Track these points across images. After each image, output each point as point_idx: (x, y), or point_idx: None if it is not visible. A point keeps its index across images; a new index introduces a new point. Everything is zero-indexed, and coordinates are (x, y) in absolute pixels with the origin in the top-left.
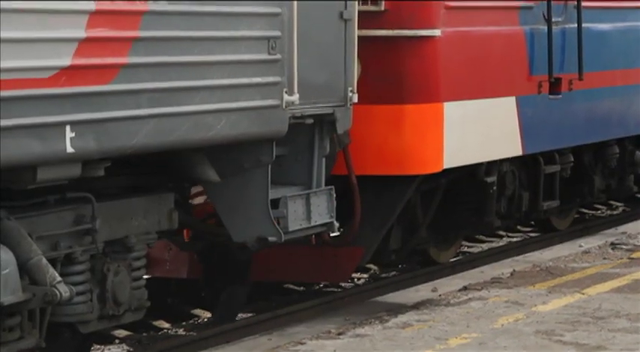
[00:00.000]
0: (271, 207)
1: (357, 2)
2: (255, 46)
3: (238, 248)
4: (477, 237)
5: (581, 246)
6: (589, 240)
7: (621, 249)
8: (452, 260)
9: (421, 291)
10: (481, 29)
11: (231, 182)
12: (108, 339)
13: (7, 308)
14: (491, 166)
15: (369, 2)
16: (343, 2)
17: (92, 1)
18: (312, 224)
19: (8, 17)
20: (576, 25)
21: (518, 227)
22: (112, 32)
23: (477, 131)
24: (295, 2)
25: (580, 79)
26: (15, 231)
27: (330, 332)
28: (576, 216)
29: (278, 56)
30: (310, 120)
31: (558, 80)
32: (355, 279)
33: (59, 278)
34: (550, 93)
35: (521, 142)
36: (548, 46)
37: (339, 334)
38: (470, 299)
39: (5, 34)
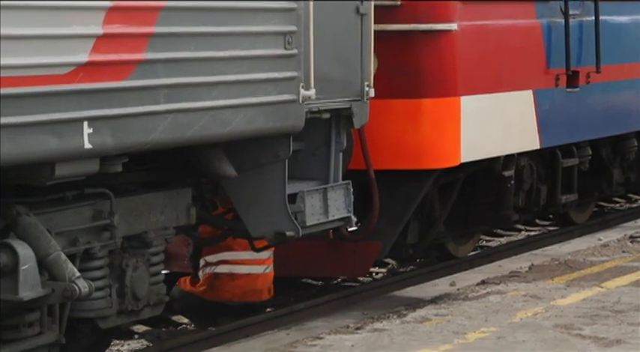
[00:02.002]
0: (289, 201)
1: None
2: (272, 41)
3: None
4: (494, 231)
5: (599, 240)
6: (608, 233)
7: None
8: (470, 254)
9: (439, 285)
10: (498, 22)
11: (248, 177)
12: (127, 334)
13: (26, 303)
14: (508, 160)
15: None
16: None
17: None
18: (330, 218)
19: (25, 14)
20: (593, 17)
21: (537, 221)
22: (128, 28)
23: (494, 125)
24: None
25: (598, 71)
26: (34, 226)
27: (348, 326)
28: (595, 209)
29: (294, 51)
30: (327, 115)
31: (576, 73)
32: (373, 274)
33: (78, 274)
34: (567, 87)
35: (539, 136)
36: (565, 39)
37: (358, 329)
38: (488, 293)
39: (23, 31)
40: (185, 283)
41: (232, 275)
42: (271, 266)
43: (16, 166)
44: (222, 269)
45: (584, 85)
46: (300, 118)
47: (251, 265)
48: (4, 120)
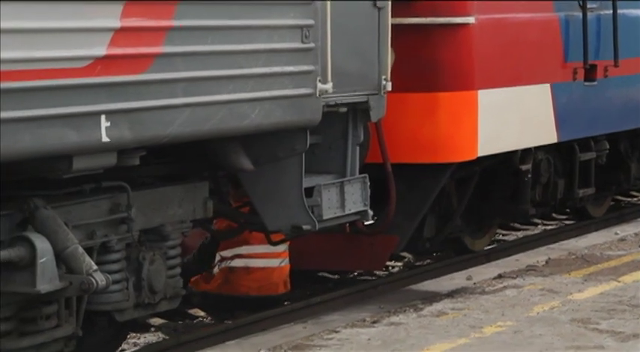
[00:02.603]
0: (305, 195)
1: None
2: (289, 34)
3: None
4: (511, 224)
5: (617, 234)
6: (625, 227)
7: None
8: (486, 248)
9: (456, 279)
10: (515, 16)
11: (265, 171)
12: (144, 327)
13: (44, 296)
14: (526, 154)
15: None
16: None
17: None
18: (347, 212)
19: (44, 7)
20: (611, 11)
21: (554, 215)
22: (146, 22)
23: (512, 119)
24: None
25: (616, 65)
26: (51, 220)
27: (364, 320)
28: (612, 203)
29: (311, 45)
30: (344, 109)
31: (593, 67)
32: (390, 267)
33: (95, 267)
34: (585, 80)
35: (556, 129)
36: (583, 32)
37: (374, 322)
38: (505, 287)
39: (41, 24)
40: (198, 283)
41: (248, 269)
42: (287, 260)
43: (34, 159)
44: (237, 263)
45: (602, 79)
46: (317, 112)
47: (266, 259)
48: (23, 113)
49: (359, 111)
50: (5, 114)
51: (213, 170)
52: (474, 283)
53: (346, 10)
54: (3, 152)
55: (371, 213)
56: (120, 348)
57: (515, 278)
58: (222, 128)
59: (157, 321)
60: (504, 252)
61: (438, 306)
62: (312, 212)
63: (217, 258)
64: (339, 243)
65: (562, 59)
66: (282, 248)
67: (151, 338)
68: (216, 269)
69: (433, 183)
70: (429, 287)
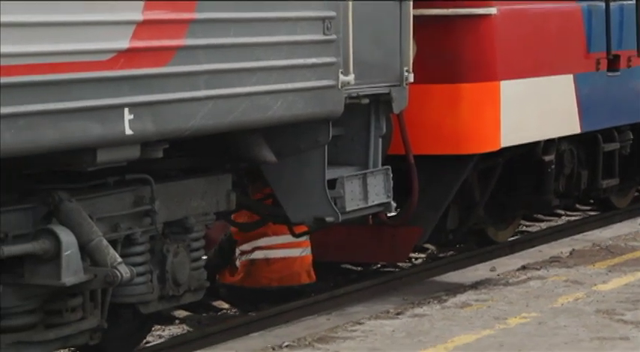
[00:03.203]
0: (328, 187)
1: None
2: (311, 26)
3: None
4: (535, 216)
5: None
6: None
7: None
8: (510, 239)
9: (480, 271)
10: (537, 6)
11: (287, 163)
12: (168, 320)
13: (69, 289)
14: (549, 145)
15: None
16: None
17: None
18: (369, 204)
19: (67, 1)
20: (634, 1)
21: (577, 205)
22: (168, 14)
23: (535, 109)
24: None
25: (639, 55)
26: (76, 212)
27: (388, 312)
28: (636, 194)
29: (333, 36)
30: (366, 100)
31: (617, 57)
32: (413, 259)
33: (120, 259)
34: (608, 71)
35: (580, 120)
36: (605, 22)
37: (398, 314)
38: (529, 278)
39: (64, 18)
40: (224, 276)
41: (268, 261)
42: (308, 249)
43: (58, 152)
44: (257, 255)
45: (626, 69)
46: (339, 104)
47: (286, 249)
48: (47, 106)
49: (381, 102)
50: (29, 108)
51: (235, 162)
52: (498, 274)
53: (368, 2)
54: (27, 145)
55: (394, 204)
56: (144, 340)
57: (539, 269)
58: (244, 120)
59: (181, 313)
60: (528, 243)
61: (461, 298)
62: (335, 204)
63: (237, 252)
64: (362, 234)
65: (585, 49)
66: (303, 237)
67: (175, 330)
68: (238, 263)
69: (456, 175)
70: (453, 279)
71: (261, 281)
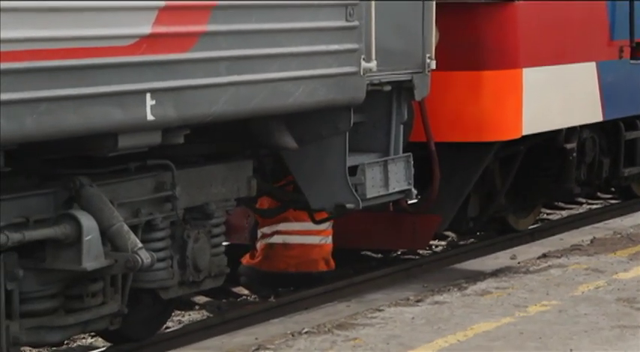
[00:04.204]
0: (349, 174)
1: None
2: (333, 13)
3: None
4: (556, 204)
5: None
6: None
7: None
8: (531, 227)
9: (500, 259)
10: None
11: (309, 149)
12: (188, 305)
13: (90, 273)
14: (570, 132)
15: None
16: None
17: None
18: (390, 191)
19: None
20: None
21: (599, 194)
22: (191, 0)
23: (557, 97)
24: None
25: None
26: (97, 197)
27: (408, 299)
28: None
29: (356, 23)
30: (388, 87)
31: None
32: (433, 247)
33: (140, 245)
34: (631, 58)
35: (602, 108)
36: (629, 9)
37: (418, 301)
38: (549, 266)
39: (87, 3)
40: (246, 258)
41: (286, 245)
42: (329, 238)
43: (79, 137)
44: (276, 239)
45: None
46: (361, 90)
47: (305, 235)
48: (69, 91)
49: (403, 89)
50: (50, 93)
51: (256, 149)
52: (519, 262)
53: None
54: (49, 130)
55: (415, 192)
56: (164, 326)
57: (559, 257)
58: (266, 107)
59: (201, 299)
60: (549, 231)
61: (482, 285)
62: (356, 190)
63: (259, 234)
64: (382, 221)
65: (608, 37)
66: (325, 226)
67: (195, 315)
68: (258, 245)
69: (477, 162)
70: (473, 267)
71: (279, 266)
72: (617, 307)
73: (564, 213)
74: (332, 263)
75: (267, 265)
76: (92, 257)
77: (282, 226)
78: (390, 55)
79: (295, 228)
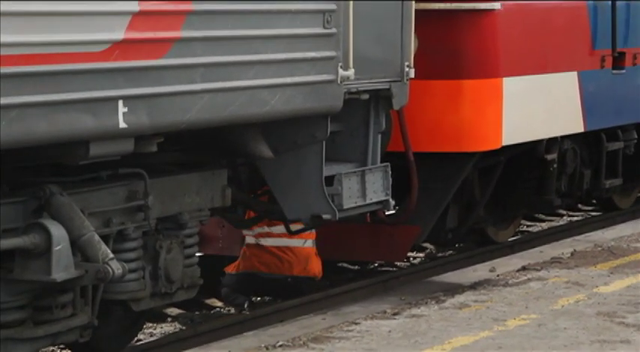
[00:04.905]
0: (325, 184)
1: None
2: (311, 19)
3: None
4: (536, 215)
5: None
6: None
7: None
8: (510, 239)
9: (479, 271)
10: (542, 2)
11: (284, 158)
12: (160, 317)
13: (59, 284)
14: (551, 143)
15: None
16: None
17: None
18: (367, 201)
19: None
20: None
21: (579, 206)
22: (165, 5)
23: (538, 107)
24: None
25: None
26: (67, 206)
27: (385, 312)
28: (639, 194)
29: (333, 30)
30: (366, 96)
31: (622, 54)
32: (411, 258)
33: (111, 255)
34: (613, 68)
35: (583, 118)
36: (611, 19)
37: (395, 314)
38: (529, 279)
39: (58, 7)
40: (230, 267)
41: (262, 247)
42: (310, 242)
43: (50, 145)
44: (251, 240)
45: (631, 67)
46: (339, 99)
47: (281, 238)
48: (39, 98)
49: (381, 98)
50: (21, 99)
51: (231, 158)
52: (498, 275)
53: None
54: (19, 138)
55: (392, 202)
56: (136, 338)
57: (539, 270)
58: (241, 114)
59: (173, 311)
60: (529, 243)
61: (460, 298)
62: (333, 201)
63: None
64: (359, 233)
65: (590, 46)
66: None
67: (167, 328)
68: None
69: (456, 173)
70: (451, 279)
71: (254, 266)
72: (597, 321)
73: (544, 225)
74: (314, 270)
75: (244, 265)
76: (62, 267)
77: (259, 229)
78: (368, 63)
79: (272, 231)
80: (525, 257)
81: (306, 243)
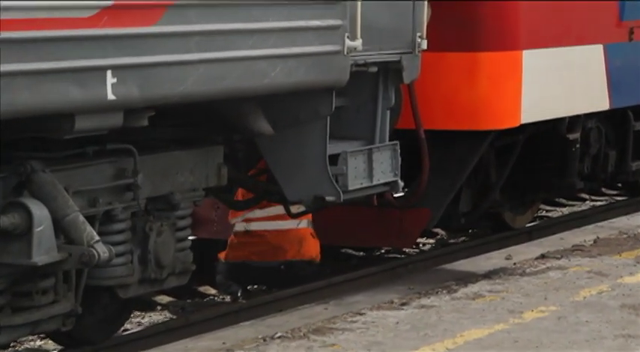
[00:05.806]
0: (330, 163)
1: None
2: None
3: None
4: (556, 200)
5: None
6: None
7: None
8: (528, 225)
9: (494, 259)
10: None
11: (285, 135)
12: (149, 306)
13: (40, 268)
14: (574, 122)
15: None
16: None
17: None
18: (374, 183)
19: None
20: None
21: (603, 190)
22: None
23: (560, 82)
24: None
25: None
26: (50, 185)
27: (392, 302)
28: None
29: None
30: (374, 68)
31: None
32: (421, 245)
33: (97, 238)
34: None
35: (609, 95)
36: None
37: (403, 304)
38: (548, 268)
39: None
40: (223, 254)
41: (251, 234)
42: (305, 222)
43: (32, 118)
44: (239, 227)
45: None
46: (345, 71)
47: (273, 221)
48: (22, 66)
49: (390, 71)
50: (2, 68)
51: (228, 134)
52: (514, 263)
53: None
54: (1, 109)
55: (401, 184)
56: (122, 328)
57: (559, 258)
58: (239, 87)
59: (163, 299)
60: (548, 229)
61: (473, 288)
62: (337, 182)
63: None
64: (365, 216)
65: (617, 17)
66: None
67: (156, 317)
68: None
69: (471, 153)
70: (464, 267)
71: (245, 256)
72: (621, 314)
73: (565, 210)
74: (310, 253)
75: (232, 255)
76: (43, 250)
77: (247, 214)
78: (377, 33)
79: (257, 215)
80: (544, 244)
81: (300, 224)
